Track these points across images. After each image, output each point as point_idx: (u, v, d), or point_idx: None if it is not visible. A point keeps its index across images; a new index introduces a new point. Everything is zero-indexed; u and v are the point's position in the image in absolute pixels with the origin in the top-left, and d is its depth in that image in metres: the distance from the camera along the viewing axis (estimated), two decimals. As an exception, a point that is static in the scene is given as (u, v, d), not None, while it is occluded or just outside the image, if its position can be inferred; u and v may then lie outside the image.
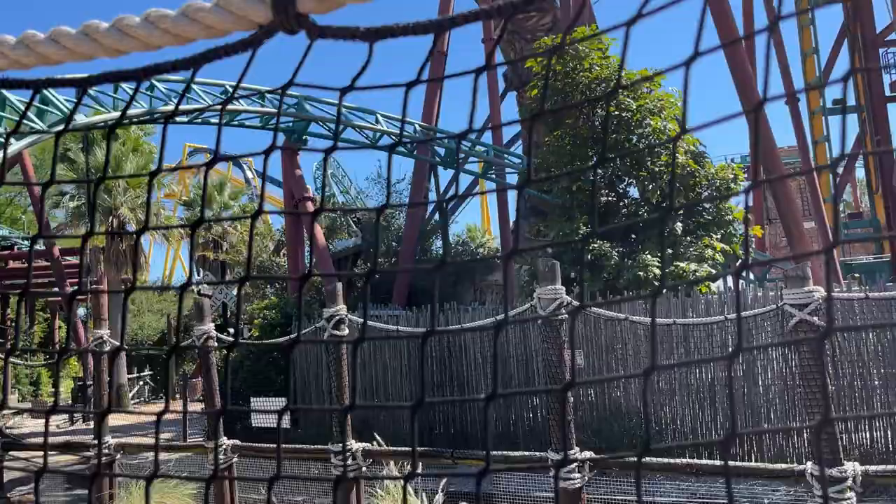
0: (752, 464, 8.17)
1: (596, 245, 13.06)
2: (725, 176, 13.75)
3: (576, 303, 8.32)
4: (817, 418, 6.03)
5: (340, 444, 8.48)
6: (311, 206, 18.93)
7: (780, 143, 31.10)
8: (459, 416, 14.14)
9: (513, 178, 23.72)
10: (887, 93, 25.30)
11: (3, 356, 11.02)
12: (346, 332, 8.92)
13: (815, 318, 6.14)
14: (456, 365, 14.22)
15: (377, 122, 19.34)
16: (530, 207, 20.33)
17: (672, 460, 7.10)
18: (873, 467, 6.08)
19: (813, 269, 20.57)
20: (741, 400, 11.68)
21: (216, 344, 9.76)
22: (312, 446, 9.44)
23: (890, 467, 6.53)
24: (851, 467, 5.90)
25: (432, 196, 27.97)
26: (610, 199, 14.04)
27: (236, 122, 17.84)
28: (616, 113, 13.77)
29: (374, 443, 8.94)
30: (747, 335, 10.84)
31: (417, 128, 20.97)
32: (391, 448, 8.90)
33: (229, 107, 16.46)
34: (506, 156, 23.85)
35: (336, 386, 8.88)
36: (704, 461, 9.43)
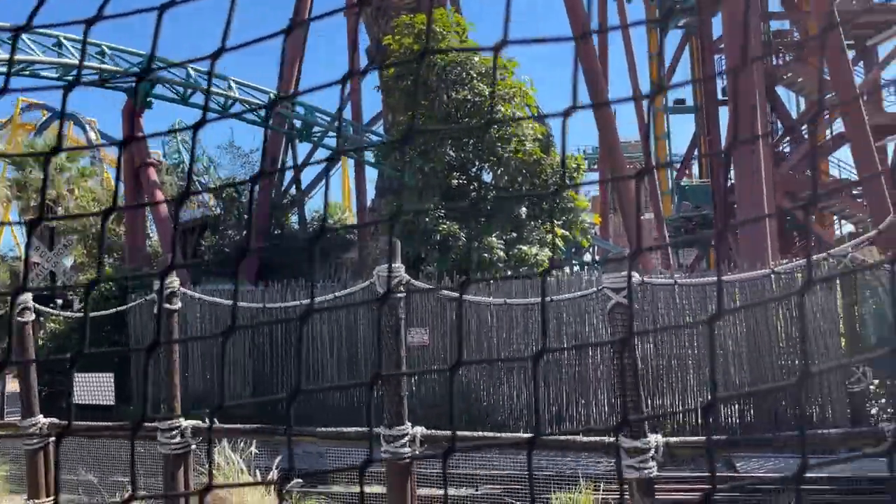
0: (565, 437, 8.60)
1: (445, 226, 13.29)
2: (570, 165, 14.42)
3: (417, 283, 8.44)
4: (628, 394, 6.48)
5: (168, 422, 8.14)
6: (153, 173, 17.91)
7: (625, 136, 32.96)
8: (303, 396, 13.98)
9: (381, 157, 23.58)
10: (720, 96, 27.42)
11: None
12: (180, 305, 8.55)
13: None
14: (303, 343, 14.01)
15: (230, 87, 18.57)
16: (387, 186, 20.36)
17: (490, 433, 7.38)
18: (674, 438, 6.63)
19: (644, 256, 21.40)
20: (573, 377, 12.35)
21: (33, 316, 9.04)
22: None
23: (691, 439, 7.15)
24: (654, 439, 6.41)
25: (290, 171, 27.32)
26: (461, 181, 14.33)
27: (72, 77, 16.49)
28: (469, 98, 14.04)
29: (206, 420, 8.67)
30: (578, 316, 11.45)
31: (272, 97, 20.32)
32: (223, 426, 8.66)
33: (62, 60, 15.19)
34: (367, 135, 23.72)
35: (166, 362, 8.49)
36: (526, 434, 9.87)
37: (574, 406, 12.30)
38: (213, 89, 18.55)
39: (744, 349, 11.26)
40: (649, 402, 10.61)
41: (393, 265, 7.59)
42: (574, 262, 23.35)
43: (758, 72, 23.59)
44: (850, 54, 27.60)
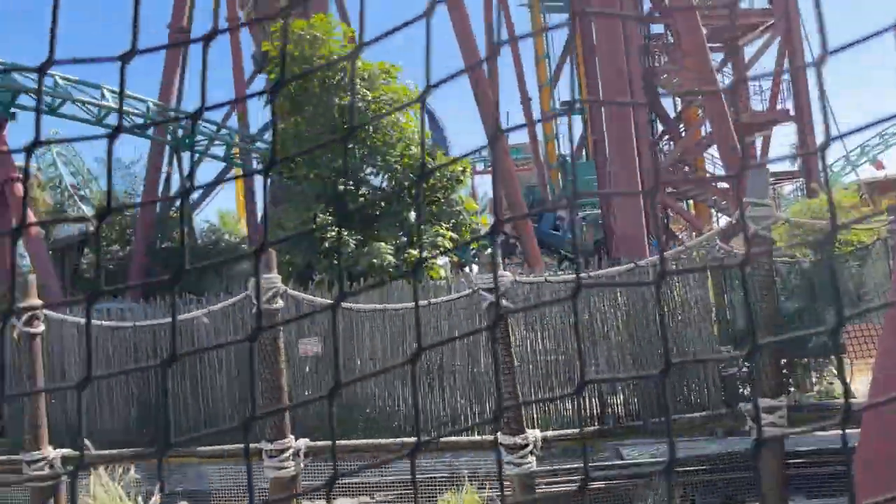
0: (450, 438, 8.64)
1: (333, 233, 13.14)
2: (455, 168, 14.57)
3: (292, 291, 8.29)
4: (507, 393, 6.60)
5: (33, 452, 7.66)
6: (19, 188, 16.81)
7: (514, 140, 33.63)
8: (193, 414, 13.44)
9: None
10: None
11: None
12: (42, 328, 8.04)
13: (505, 301, 6.72)
14: (189, 361, 13.46)
15: (103, 97, 17.66)
16: (280, 195, 19.94)
17: (384, 440, 7.34)
18: (551, 433, 6.81)
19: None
20: (466, 381, 12.41)
21: None
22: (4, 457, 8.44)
23: (566, 431, 7.36)
24: (532, 434, 6.56)
25: (175, 181, 26.31)
26: (349, 187, 14.21)
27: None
28: (359, 104, 13.93)
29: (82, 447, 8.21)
30: (443, 318, 11.31)
31: (151, 106, 19.50)
32: (97, 452, 8.21)
33: None
34: (256, 143, 23.16)
35: (29, 387, 7.98)
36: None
37: (469, 408, 12.37)
38: (84, 98, 17.59)
39: (625, 339, 11.66)
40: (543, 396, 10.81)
41: (268, 276, 7.44)
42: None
43: (637, 74, 24.63)
44: (719, 56, 29.27)
